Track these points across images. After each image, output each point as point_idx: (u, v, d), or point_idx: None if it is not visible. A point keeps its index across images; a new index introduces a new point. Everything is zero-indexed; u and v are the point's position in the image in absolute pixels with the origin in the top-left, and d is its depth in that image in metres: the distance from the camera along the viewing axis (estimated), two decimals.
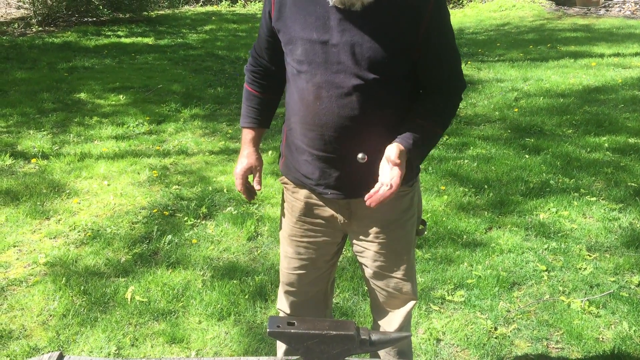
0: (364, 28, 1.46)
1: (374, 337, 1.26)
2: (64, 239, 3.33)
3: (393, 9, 1.45)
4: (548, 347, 2.48)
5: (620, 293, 2.81)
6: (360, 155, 1.49)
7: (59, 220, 3.55)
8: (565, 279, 2.95)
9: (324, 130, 1.54)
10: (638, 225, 3.46)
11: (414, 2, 1.46)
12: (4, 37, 9.44)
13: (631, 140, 4.83)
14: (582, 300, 2.75)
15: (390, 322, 1.84)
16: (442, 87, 1.59)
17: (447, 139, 4.94)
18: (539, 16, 12.31)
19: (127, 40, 9.57)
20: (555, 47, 8.95)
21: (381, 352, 1.88)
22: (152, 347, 2.47)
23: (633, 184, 3.99)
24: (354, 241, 1.77)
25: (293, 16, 1.53)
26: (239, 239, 3.35)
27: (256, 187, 1.82)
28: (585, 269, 3.02)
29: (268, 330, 1.23)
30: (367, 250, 1.74)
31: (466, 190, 3.93)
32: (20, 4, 11.12)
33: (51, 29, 10.46)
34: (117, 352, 2.44)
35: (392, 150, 1.46)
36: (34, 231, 3.43)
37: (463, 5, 13.95)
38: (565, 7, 12.96)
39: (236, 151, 4.67)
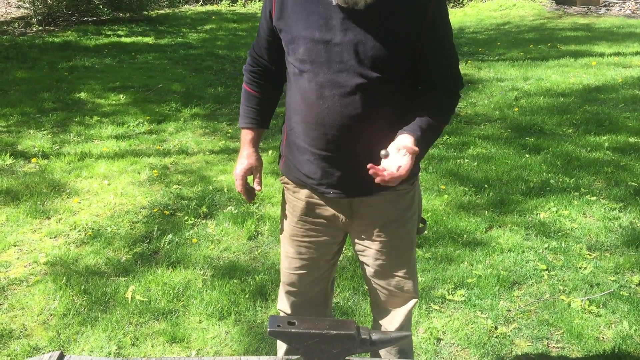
0: (367, 27, 1.46)
1: (375, 336, 1.26)
2: (65, 239, 3.34)
3: (396, 8, 1.46)
4: (548, 346, 2.48)
5: (621, 292, 2.81)
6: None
7: (60, 220, 3.55)
8: (565, 278, 2.95)
9: (327, 129, 1.54)
10: (638, 225, 3.46)
11: (416, 0, 1.46)
12: (4, 37, 9.44)
13: (631, 140, 4.83)
14: (582, 300, 2.75)
15: (392, 321, 1.84)
16: (442, 85, 1.60)
17: (447, 139, 4.94)
18: (539, 15, 12.31)
19: (128, 40, 9.57)
20: (556, 47, 8.95)
21: (382, 352, 1.88)
22: (152, 346, 2.47)
23: (633, 183, 3.99)
24: (355, 240, 1.77)
25: (295, 15, 1.53)
26: (239, 239, 3.35)
27: (256, 187, 1.82)
28: (585, 268, 3.02)
29: (268, 329, 1.23)
30: (368, 249, 1.75)
31: (466, 189, 3.93)
32: (21, 3, 11.12)
33: (51, 28, 10.46)
34: (117, 351, 2.44)
35: (408, 139, 1.45)
36: (35, 231, 3.44)
37: (463, 5, 13.94)
38: (566, 6, 12.95)
39: (236, 150, 4.67)
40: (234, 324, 2.61)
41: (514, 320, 2.64)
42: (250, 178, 1.84)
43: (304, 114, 1.57)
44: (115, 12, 11.31)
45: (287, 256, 1.83)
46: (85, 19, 11.22)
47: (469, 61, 8.02)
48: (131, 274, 2.99)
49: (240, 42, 9.78)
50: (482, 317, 2.65)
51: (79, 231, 3.41)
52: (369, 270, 1.79)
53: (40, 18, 10.49)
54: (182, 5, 14.24)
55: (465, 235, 3.34)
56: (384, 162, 1.44)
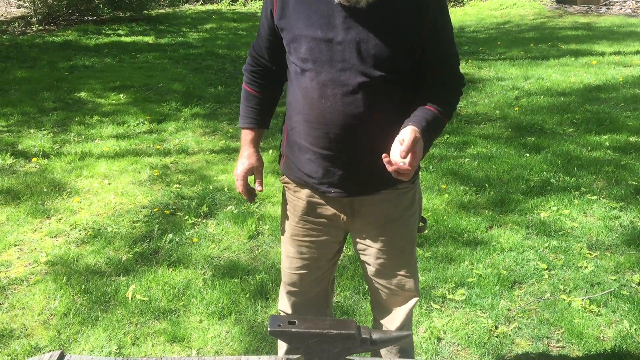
0: (369, 25, 1.46)
1: (375, 336, 1.26)
2: (65, 238, 3.34)
3: (397, 6, 1.46)
4: (549, 345, 2.48)
5: (621, 291, 2.81)
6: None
7: (60, 219, 3.55)
8: (566, 278, 2.95)
9: (329, 128, 1.54)
10: (639, 224, 3.45)
11: None
12: (5, 36, 9.45)
13: (632, 139, 4.82)
14: (582, 299, 2.75)
15: (392, 320, 1.84)
16: (444, 82, 1.60)
17: (447, 138, 4.94)
18: (539, 14, 12.30)
19: (128, 39, 9.57)
20: (556, 46, 8.94)
21: (382, 351, 1.88)
22: (153, 346, 2.47)
23: (634, 183, 3.99)
24: (357, 239, 1.77)
25: (296, 14, 1.52)
26: (239, 238, 3.35)
27: (257, 188, 1.82)
28: (586, 267, 3.02)
29: (269, 329, 1.23)
30: (369, 248, 1.75)
31: (467, 189, 3.93)
32: (21, 3, 11.12)
33: (51, 27, 10.46)
34: (118, 351, 2.44)
35: (407, 134, 1.43)
36: (35, 230, 3.44)
37: (464, 4, 13.93)
38: (566, 5, 12.94)
39: (237, 150, 4.67)
40: (234, 324, 2.61)
41: (514, 319, 2.64)
42: (251, 178, 1.84)
43: (305, 113, 1.57)
44: (115, 12, 11.31)
45: (288, 256, 1.83)
46: (86, 18, 11.22)
47: (470, 60, 8.02)
48: (132, 273, 2.99)
49: (241, 41, 9.78)
50: (482, 316, 2.65)
51: (80, 231, 3.41)
52: (370, 269, 1.79)
53: (40, 17, 10.49)
54: (182, 5, 14.24)
55: (465, 235, 3.34)
56: (392, 154, 1.43)
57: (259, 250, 3.24)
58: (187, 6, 14.35)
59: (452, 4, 13.86)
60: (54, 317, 2.65)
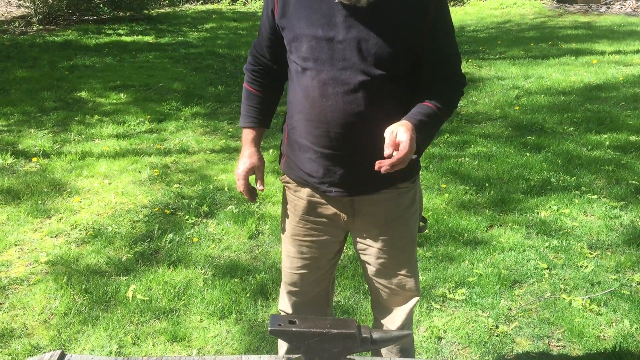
0: (370, 24, 1.46)
1: (375, 335, 1.26)
2: (65, 238, 3.34)
3: (398, 5, 1.46)
4: (549, 345, 2.48)
5: (622, 291, 2.81)
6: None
7: (60, 219, 3.56)
8: (566, 277, 2.95)
9: (330, 127, 1.54)
10: (639, 223, 3.45)
11: None
12: (5, 36, 9.44)
13: (632, 138, 4.82)
14: (583, 298, 2.75)
15: (393, 320, 1.84)
16: (445, 81, 1.60)
17: (447, 137, 4.94)
18: (540, 14, 12.29)
19: (128, 39, 9.56)
20: (557, 45, 8.93)
21: (383, 351, 1.88)
22: (153, 345, 2.48)
23: (634, 182, 3.98)
24: (357, 239, 1.77)
25: (297, 13, 1.53)
26: (240, 238, 3.35)
27: (259, 187, 1.81)
28: (586, 266, 3.02)
29: (269, 328, 1.23)
30: (370, 248, 1.75)
31: (467, 188, 3.93)
32: (21, 2, 11.13)
33: (52, 27, 10.45)
34: (118, 350, 2.44)
35: (395, 127, 1.43)
36: (35, 230, 3.44)
37: (464, 3, 13.93)
38: (567, 5, 12.93)
39: (237, 149, 4.67)
40: (234, 323, 2.61)
41: (514, 319, 2.64)
42: (252, 178, 1.83)
43: (306, 112, 1.57)
44: (115, 11, 11.31)
45: (288, 256, 1.83)
46: (86, 18, 11.22)
47: (470, 60, 8.01)
48: (132, 273, 2.99)
49: (241, 40, 9.78)
50: (483, 315, 2.65)
51: (80, 230, 3.41)
52: (371, 269, 1.79)
53: (40, 17, 10.48)
54: (182, 4, 14.23)
55: (466, 234, 3.34)
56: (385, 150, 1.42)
57: (260, 249, 3.24)
58: (187, 6, 14.35)
59: (452, 3, 13.85)
60: (54, 316, 2.65)
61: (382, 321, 1.87)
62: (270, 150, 4.60)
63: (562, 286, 2.87)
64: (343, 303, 2.74)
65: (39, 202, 3.74)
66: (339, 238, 1.79)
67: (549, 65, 7.57)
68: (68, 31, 10.05)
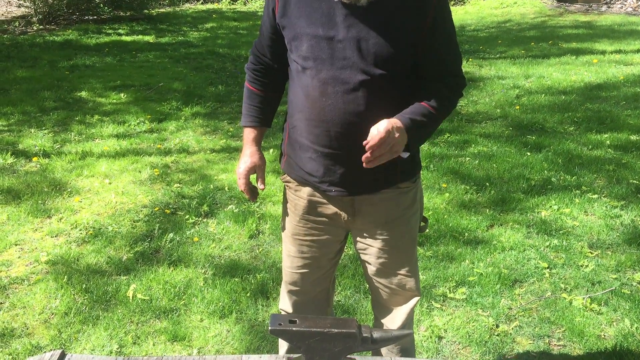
0: (370, 23, 1.46)
1: (376, 334, 1.26)
2: (66, 238, 3.34)
3: (398, 4, 1.46)
4: (550, 344, 2.48)
5: (622, 290, 2.81)
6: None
7: (61, 219, 3.56)
8: (566, 276, 2.95)
9: (330, 126, 1.54)
10: (639, 223, 3.46)
11: None
12: (5, 36, 9.45)
13: (633, 138, 4.82)
14: (583, 298, 2.75)
15: (393, 320, 1.84)
16: (444, 81, 1.59)
17: (448, 137, 4.94)
18: (540, 13, 12.29)
19: (128, 39, 9.56)
20: (557, 44, 8.93)
21: (383, 350, 1.88)
22: (154, 345, 2.48)
23: (635, 181, 3.98)
24: (358, 239, 1.77)
25: (298, 12, 1.53)
26: (240, 237, 3.35)
27: (260, 186, 1.81)
28: (587, 266, 3.02)
29: (270, 328, 1.23)
30: (370, 247, 1.74)
31: (468, 187, 3.93)
32: (21, 2, 11.13)
33: (52, 27, 10.46)
34: (118, 350, 2.44)
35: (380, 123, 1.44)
36: (36, 230, 3.44)
37: (464, 2, 13.92)
38: (567, 4, 12.93)
39: (237, 149, 4.67)
40: (235, 323, 2.61)
41: (515, 318, 2.64)
42: (253, 177, 1.84)
43: (306, 111, 1.57)
44: (115, 11, 11.31)
45: (289, 255, 1.83)
46: (86, 17, 11.22)
47: (470, 59, 8.01)
48: (132, 272, 2.99)
49: (241, 40, 9.77)
50: (483, 315, 2.65)
51: (80, 230, 3.41)
52: (371, 269, 1.79)
53: (40, 17, 10.48)
54: (182, 4, 14.23)
55: (466, 234, 3.34)
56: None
57: (260, 249, 3.24)
58: (187, 5, 14.35)
59: (452, 2, 13.84)
60: (54, 316, 2.65)
61: (383, 321, 1.87)
62: (271, 150, 4.60)
63: (562, 285, 2.87)
64: (343, 302, 2.74)
65: (40, 201, 3.74)
66: (339, 237, 1.79)
67: (549, 65, 7.56)
68: (68, 31, 10.05)
